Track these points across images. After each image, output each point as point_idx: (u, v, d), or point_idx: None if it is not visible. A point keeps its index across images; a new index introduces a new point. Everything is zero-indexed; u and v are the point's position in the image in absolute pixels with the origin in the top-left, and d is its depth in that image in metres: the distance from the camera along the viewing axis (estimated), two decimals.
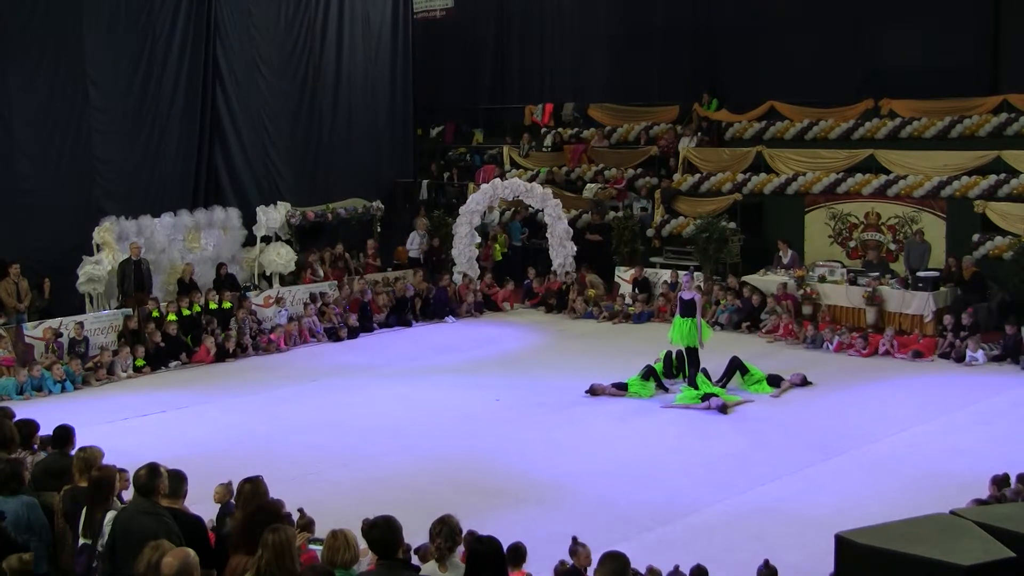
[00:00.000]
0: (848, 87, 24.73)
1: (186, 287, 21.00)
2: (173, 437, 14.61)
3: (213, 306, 20.52)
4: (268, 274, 23.09)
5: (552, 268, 24.37)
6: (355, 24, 27.96)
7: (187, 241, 22.50)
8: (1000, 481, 11.11)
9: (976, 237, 20.77)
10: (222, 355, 19.54)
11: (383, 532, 6.75)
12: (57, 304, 20.00)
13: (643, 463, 13.48)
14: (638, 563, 8.50)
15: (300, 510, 9.48)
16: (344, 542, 7.01)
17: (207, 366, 19.25)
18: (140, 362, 18.74)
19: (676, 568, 8.88)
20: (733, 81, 26.90)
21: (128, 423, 15.49)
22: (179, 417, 15.98)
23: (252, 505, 7.64)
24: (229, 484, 9.19)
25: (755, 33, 26.31)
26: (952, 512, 6.05)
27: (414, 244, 25.68)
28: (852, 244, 22.72)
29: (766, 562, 8.93)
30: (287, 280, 23.01)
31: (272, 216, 23.56)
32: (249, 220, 23.50)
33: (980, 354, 17.98)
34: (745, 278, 22.16)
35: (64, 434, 9.44)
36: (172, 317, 19.70)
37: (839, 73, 24.97)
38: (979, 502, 9.89)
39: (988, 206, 20.83)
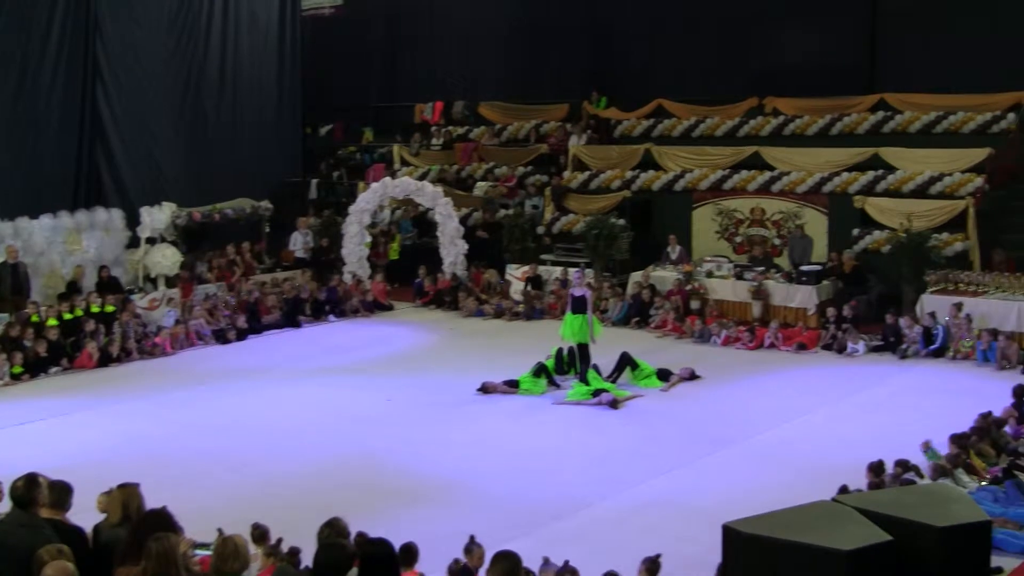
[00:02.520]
0: (733, 86, 25.19)
1: (71, 290, 20.49)
2: (55, 446, 14.16)
3: (95, 309, 19.97)
4: (153, 276, 22.63)
5: (443, 267, 24.32)
6: (240, 21, 27.61)
7: (67, 243, 21.97)
8: (876, 468, 11.42)
9: (856, 232, 21.30)
10: (106, 360, 19.04)
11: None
12: None
13: (536, 460, 13.52)
14: (532, 560, 8.54)
15: (254, 524, 9.39)
16: (234, 549, 6.84)
17: (90, 371, 18.72)
18: (18, 369, 18.08)
19: (546, 559, 8.95)
20: (621, 79, 27.18)
21: (6, 432, 14.98)
22: (61, 425, 15.50)
23: (130, 511, 7.45)
24: (111, 492, 8.99)
25: (643, 32, 26.67)
26: (834, 499, 6.19)
27: (297, 244, 25.44)
28: (738, 239, 23.12)
29: (653, 559, 9.07)
30: (172, 282, 22.61)
31: (157, 217, 23.11)
32: (132, 221, 23.03)
33: (861, 345, 18.45)
34: (634, 274, 22.40)
35: None
36: (52, 322, 19.12)
37: (725, 72, 25.46)
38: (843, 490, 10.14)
39: (867, 201, 21.38)
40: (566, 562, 8.90)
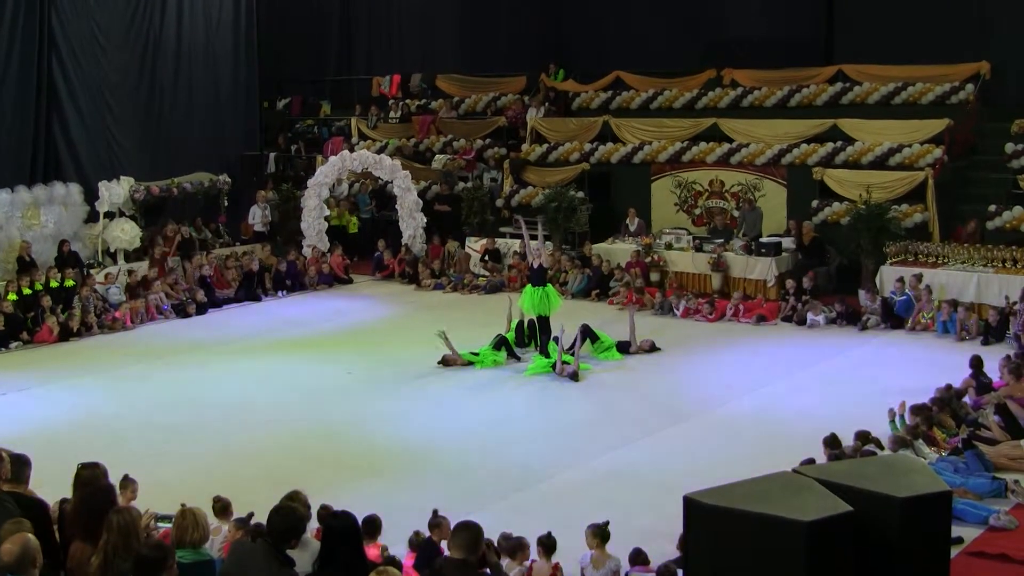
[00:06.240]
0: (691, 57, 25.16)
1: (26, 265, 20.26)
2: (14, 420, 14.10)
3: (54, 284, 19.84)
4: (112, 251, 22.46)
5: (403, 241, 24.21)
6: None
7: (26, 218, 21.83)
8: (830, 441, 11.46)
9: (815, 203, 21.35)
10: (66, 335, 18.90)
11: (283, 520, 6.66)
12: None
13: (496, 432, 13.54)
14: (493, 531, 8.53)
15: (216, 497, 9.44)
16: (193, 521, 6.89)
17: (50, 346, 18.59)
18: None
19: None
20: (579, 51, 27.11)
21: None
22: (20, 399, 15.40)
23: (87, 490, 7.41)
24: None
25: (600, 4, 26.52)
26: (794, 470, 6.21)
27: (256, 218, 25.33)
28: (697, 211, 23.12)
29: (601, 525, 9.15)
30: (132, 257, 22.45)
31: (115, 191, 22.94)
32: (91, 195, 22.81)
33: (821, 317, 18.52)
34: (593, 246, 22.38)
35: None
36: (12, 296, 18.98)
37: (682, 44, 25.40)
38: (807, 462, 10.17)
39: (826, 173, 21.42)
40: (434, 510, 9.15)
